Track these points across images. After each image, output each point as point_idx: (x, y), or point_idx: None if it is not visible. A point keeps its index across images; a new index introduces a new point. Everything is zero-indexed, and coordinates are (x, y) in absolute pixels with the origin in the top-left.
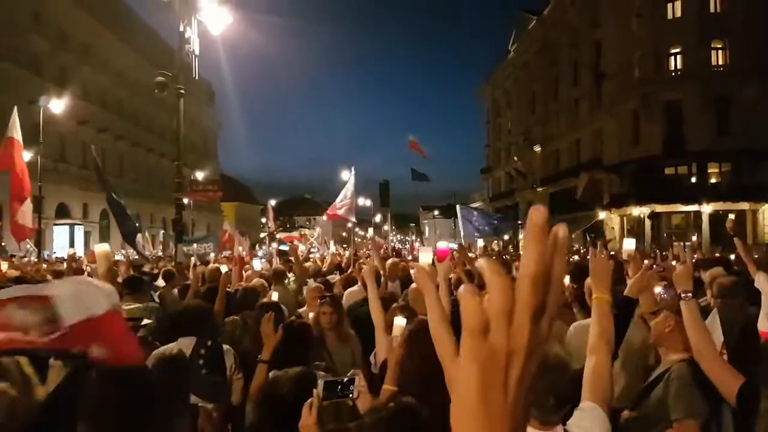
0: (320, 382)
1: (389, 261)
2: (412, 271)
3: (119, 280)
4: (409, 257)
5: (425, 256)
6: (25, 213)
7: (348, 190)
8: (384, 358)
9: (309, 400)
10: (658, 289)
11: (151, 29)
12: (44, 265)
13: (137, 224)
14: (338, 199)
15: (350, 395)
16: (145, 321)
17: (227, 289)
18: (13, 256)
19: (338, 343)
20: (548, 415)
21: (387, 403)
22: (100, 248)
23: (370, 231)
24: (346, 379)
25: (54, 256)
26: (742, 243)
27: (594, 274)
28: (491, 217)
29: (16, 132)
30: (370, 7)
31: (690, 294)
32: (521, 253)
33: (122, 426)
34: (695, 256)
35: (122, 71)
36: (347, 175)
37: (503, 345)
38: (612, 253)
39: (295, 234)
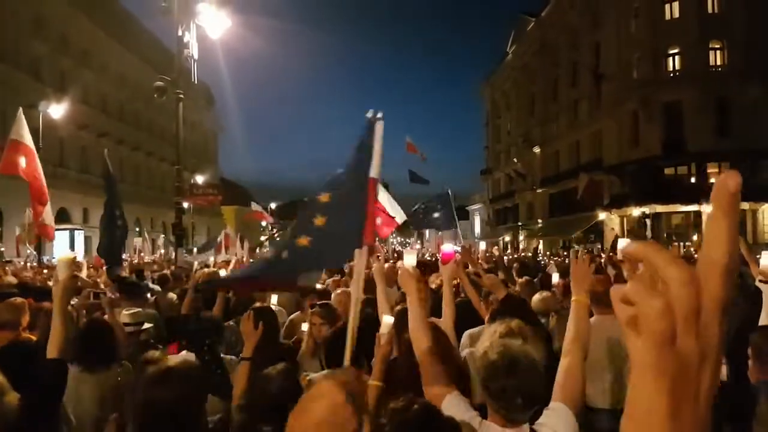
0: (308, 380)
1: (387, 265)
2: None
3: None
4: None
5: (409, 258)
6: (47, 214)
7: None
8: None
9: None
10: None
11: (151, 34)
12: (45, 271)
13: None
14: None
15: None
16: (146, 325)
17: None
18: (8, 261)
19: None
20: (515, 414)
21: (394, 401)
22: (63, 256)
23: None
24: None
25: (53, 260)
26: (744, 243)
27: (573, 277)
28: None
29: (20, 134)
30: (369, 10)
31: None
32: (523, 253)
33: (170, 425)
34: (695, 256)
35: (122, 75)
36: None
37: (694, 350)
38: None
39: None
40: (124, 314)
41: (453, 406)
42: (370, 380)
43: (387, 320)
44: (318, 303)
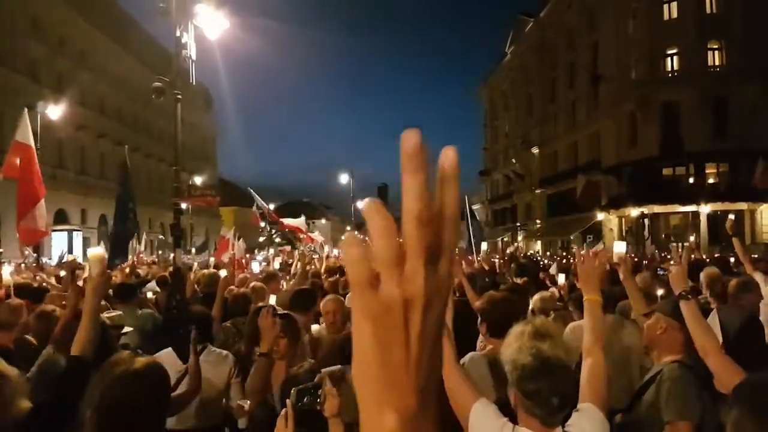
0: (293, 391)
1: None
2: None
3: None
4: None
5: None
6: (37, 216)
7: None
8: None
9: (284, 410)
10: (660, 292)
11: (149, 35)
12: (43, 274)
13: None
14: None
15: (318, 400)
16: (126, 329)
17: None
18: (2, 262)
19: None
20: (551, 416)
21: None
22: (94, 252)
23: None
24: (311, 385)
25: (47, 261)
26: (740, 243)
27: (582, 277)
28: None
29: (25, 137)
30: (367, 10)
31: (689, 294)
32: (509, 251)
33: (133, 424)
34: (693, 255)
35: (120, 77)
36: (346, 179)
37: (396, 295)
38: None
39: (313, 235)
40: (106, 316)
41: (482, 413)
42: None
43: None
44: (280, 313)
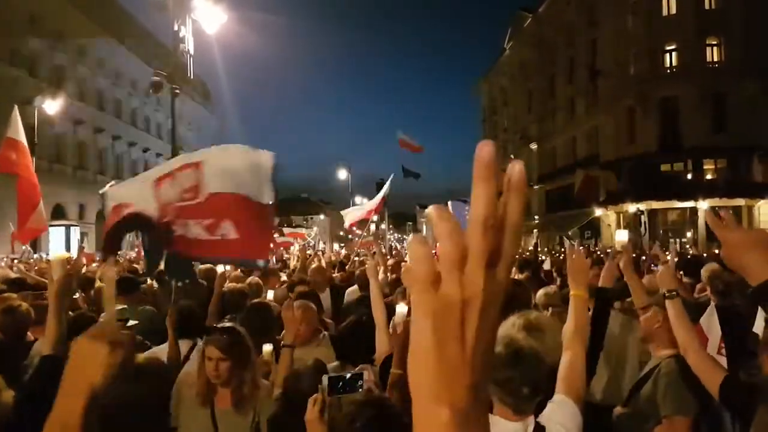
0: (324, 378)
1: (391, 261)
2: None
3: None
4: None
5: None
6: (38, 218)
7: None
8: (385, 354)
9: (314, 395)
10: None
11: (147, 29)
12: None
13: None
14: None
15: (358, 391)
16: (132, 322)
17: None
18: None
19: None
20: (522, 404)
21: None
22: (57, 255)
23: (373, 227)
24: (349, 376)
25: (43, 255)
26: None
27: (571, 272)
28: None
29: (16, 133)
30: (366, 7)
31: (675, 293)
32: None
33: (137, 418)
34: (691, 251)
35: (118, 71)
36: (344, 174)
37: (456, 295)
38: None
39: (301, 231)
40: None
41: None
42: (392, 369)
43: (401, 309)
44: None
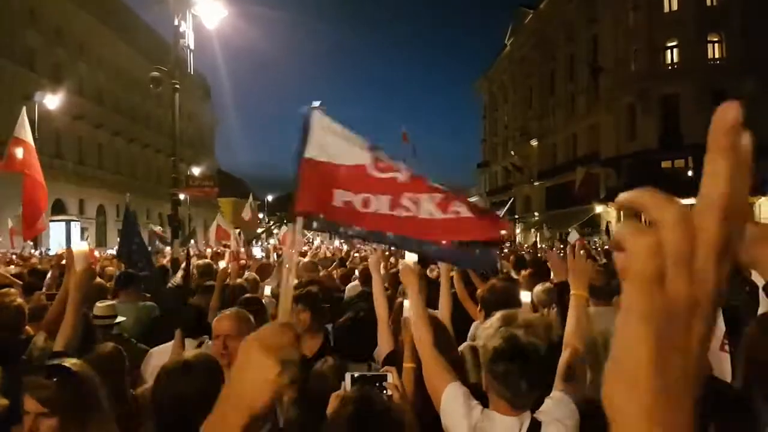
0: (347, 376)
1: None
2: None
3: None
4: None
5: (410, 254)
6: (41, 218)
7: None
8: (386, 351)
9: (337, 392)
10: None
11: (147, 24)
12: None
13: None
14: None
15: (383, 391)
16: (119, 318)
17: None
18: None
19: None
20: (520, 398)
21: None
22: (78, 247)
23: None
24: (371, 375)
25: (44, 251)
26: None
27: (572, 272)
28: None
29: (24, 133)
30: (367, 2)
31: None
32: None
33: (190, 415)
34: None
35: (118, 66)
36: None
37: (684, 295)
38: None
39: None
40: (97, 306)
41: (453, 395)
42: (404, 363)
43: (408, 304)
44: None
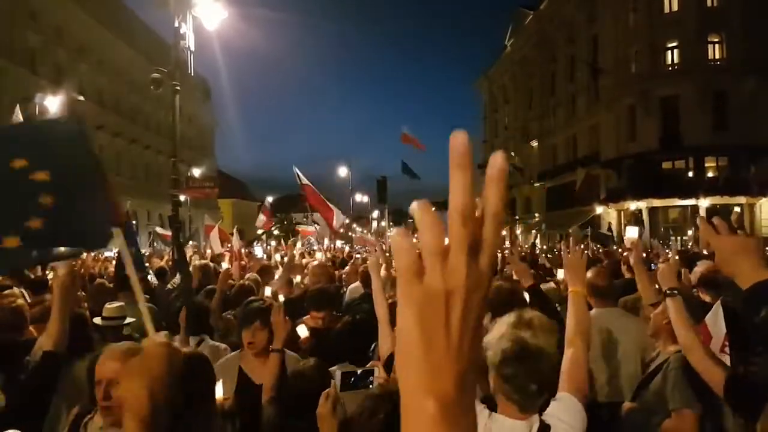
0: (337, 374)
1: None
2: None
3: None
4: None
5: None
6: None
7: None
8: (388, 350)
9: (327, 390)
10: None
11: (147, 26)
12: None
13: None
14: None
15: (369, 386)
16: (129, 320)
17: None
18: None
19: None
20: (529, 402)
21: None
22: None
23: (374, 225)
24: (360, 371)
25: None
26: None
27: (569, 269)
28: None
29: None
30: (367, 3)
31: (675, 291)
32: (506, 247)
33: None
34: (692, 249)
35: (118, 68)
36: (344, 172)
37: (439, 285)
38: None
39: (311, 229)
40: (106, 308)
41: None
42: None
43: None
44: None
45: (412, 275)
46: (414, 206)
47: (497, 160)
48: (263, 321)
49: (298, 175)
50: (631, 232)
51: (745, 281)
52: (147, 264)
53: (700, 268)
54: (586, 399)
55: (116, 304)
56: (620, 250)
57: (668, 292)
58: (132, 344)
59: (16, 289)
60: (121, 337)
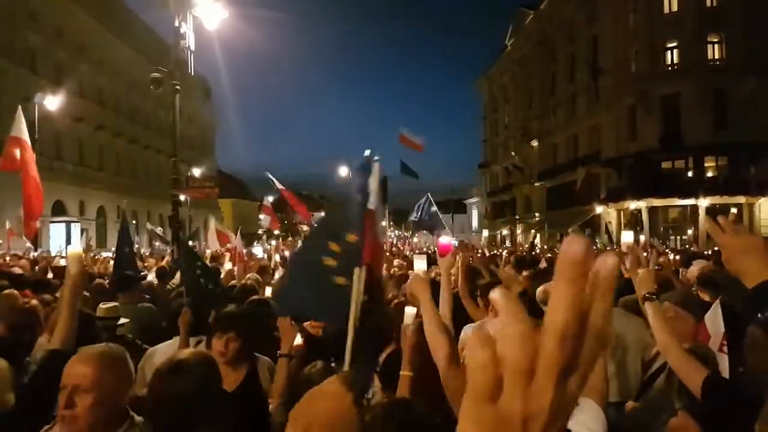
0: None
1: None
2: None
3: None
4: (407, 252)
5: (420, 263)
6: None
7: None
8: (388, 351)
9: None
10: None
11: (148, 25)
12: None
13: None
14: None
15: (369, 386)
16: (122, 320)
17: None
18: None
19: None
20: None
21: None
22: (73, 250)
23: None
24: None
25: (41, 252)
26: None
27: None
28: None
29: (20, 131)
30: (367, 4)
31: (654, 295)
32: (506, 247)
33: (186, 414)
34: (692, 248)
35: (118, 68)
36: (345, 171)
37: (518, 411)
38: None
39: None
40: (100, 308)
41: None
42: (402, 371)
43: (410, 311)
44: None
45: (488, 397)
46: (500, 300)
47: (608, 263)
48: (239, 330)
49: (273, 180)
50: (627, 237)
51: (751, 280)
52: (146, 264)
53: (695, 267)
54: (605, 402)
55: (110, 304)
56: (618, 250)
57: (646, 296)
58: (106, 347)
59: (14, 291)
60: (115, 338)
